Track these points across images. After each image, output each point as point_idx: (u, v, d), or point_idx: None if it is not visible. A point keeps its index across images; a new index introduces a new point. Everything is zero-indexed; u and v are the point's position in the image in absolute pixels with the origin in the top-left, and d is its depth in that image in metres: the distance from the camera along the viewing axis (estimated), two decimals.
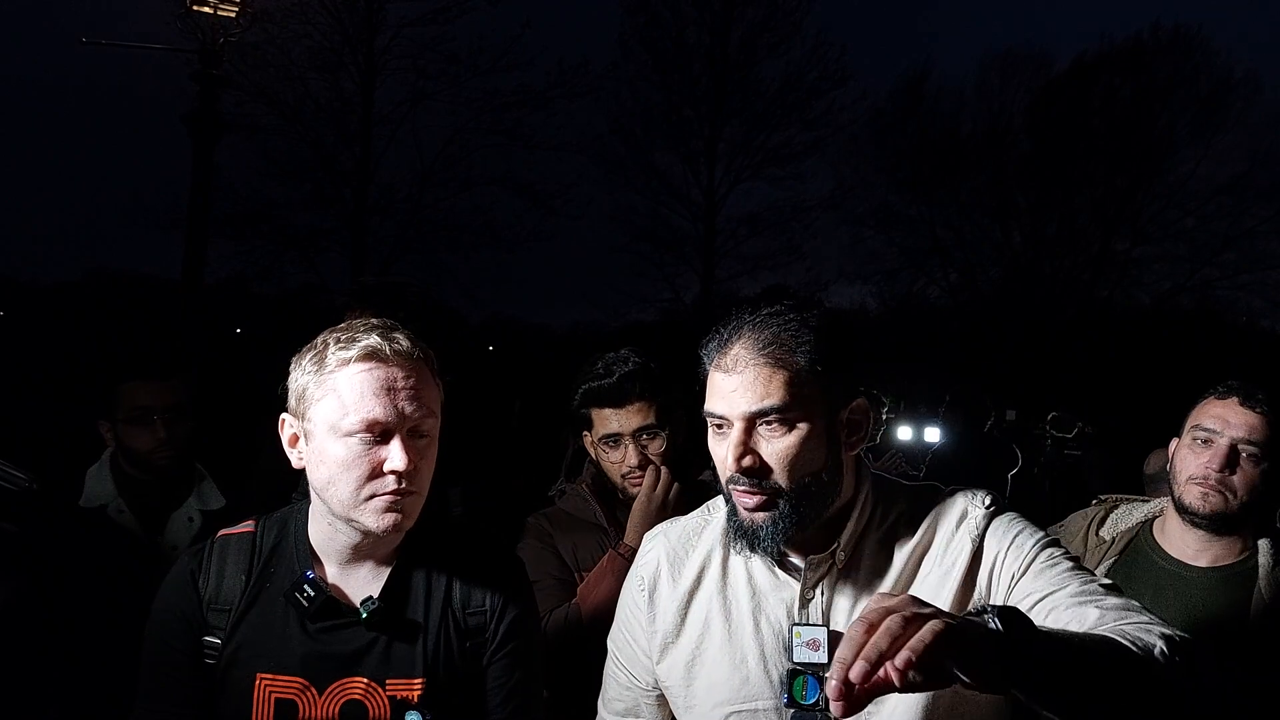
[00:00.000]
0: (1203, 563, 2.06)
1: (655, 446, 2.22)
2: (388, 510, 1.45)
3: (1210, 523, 2.02)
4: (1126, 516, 2.26)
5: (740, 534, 1.42)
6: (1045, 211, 23.04)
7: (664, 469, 2.19)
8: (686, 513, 2.07)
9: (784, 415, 1.35)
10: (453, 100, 17.57)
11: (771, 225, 21.08)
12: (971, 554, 1.43)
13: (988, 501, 1.49)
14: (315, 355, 1.48)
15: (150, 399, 2.49)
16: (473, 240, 18.47)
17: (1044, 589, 1.33)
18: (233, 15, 6.57)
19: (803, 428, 1.37)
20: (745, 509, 1.40)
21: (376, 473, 1.44)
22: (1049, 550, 1.41)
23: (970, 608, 1.38)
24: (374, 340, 1.45)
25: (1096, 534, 2.24)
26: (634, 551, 2.03)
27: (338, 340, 1.47)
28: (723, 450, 1.40)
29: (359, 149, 17.42)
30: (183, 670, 1.51)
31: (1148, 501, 2.26)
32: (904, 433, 7.33)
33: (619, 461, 2.23)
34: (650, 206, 21.16)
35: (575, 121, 20.07)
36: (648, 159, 21.00)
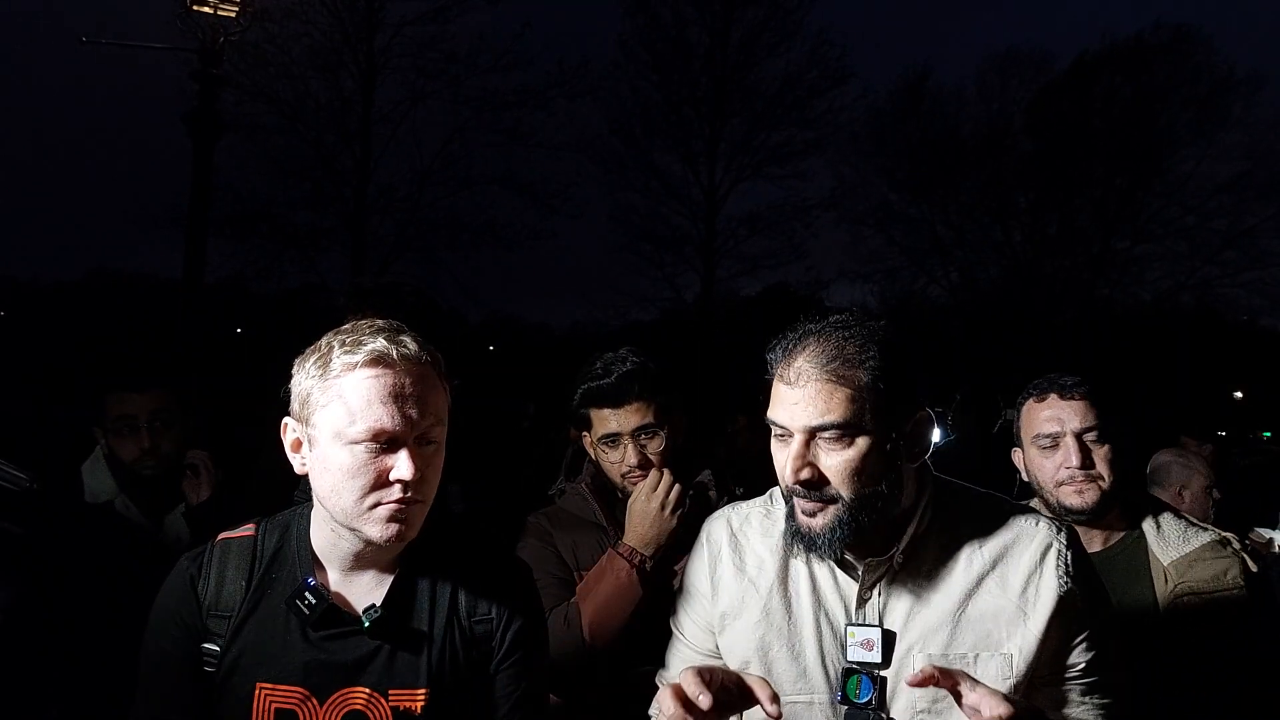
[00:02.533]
0: (1095, 547, 2.09)
1: (654, 446, 2.21)
2: (391, 520, 1.41)
3: (1093, 514, 2.06)
4: None
5: (797, 537, 1.45)
6: (1046, 211, 23.06)
7: (665, 469, 2.19)
8: (686, 513, 2.07)
9: (843, 431, 1.37)
10: (452, 99, 17.64)
11: (772, 224, 21.11)
12: (1060, 596, 1.44)
13: (1075, 543, 1.52)
14: (319, 359, 1.43)
15: (134, 408, 2.52)
16: (472, 240, 18.52)
17: (1081, 687, 1.47)
18: (233, 15, 6.54)
19: (862, 443, 1.39)
20: (803, 514, 1.43)
21: (382, 481, 1.39)
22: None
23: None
24: (380, 344, 1.41)
25: None
26: (633, 551, 2.03)
27: (343, 343, 1.43)
28: (783, 458, 1.42)
29: (359, 148, 17.43)
30: (181, 677, 1.47)
31: (1028, 503, 2.28)
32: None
33: (618, 461, 2.22)
34: (650, 206, 21.20)
35: (575, 121, 20.16)
36: (648, 159, 21.04)
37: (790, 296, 22.66)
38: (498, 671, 1.53)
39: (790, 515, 1.46)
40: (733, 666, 1.49)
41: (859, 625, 1.46)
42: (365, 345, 1.41)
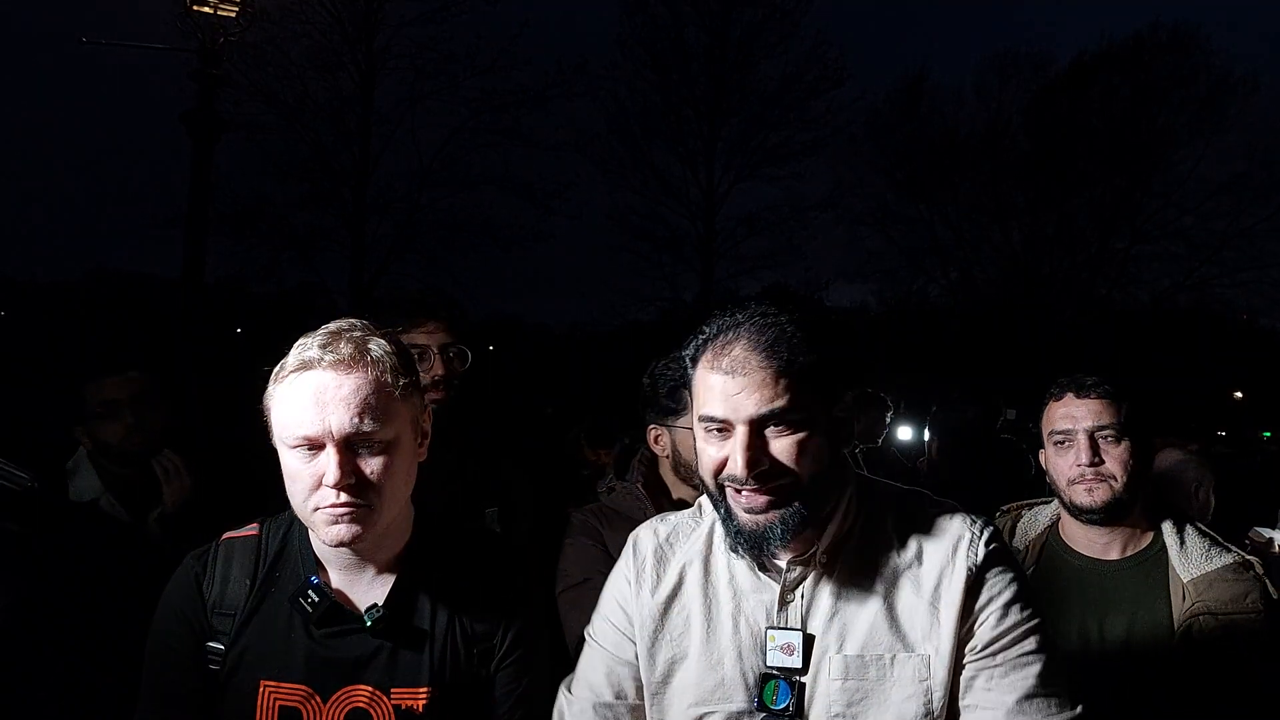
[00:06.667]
0: (1114, 555, 2.10)
1: None
2: (334, 523, 1.40)
3: (1105, 514, 2.06)
4: (1033, 522, 2.29)
5: (741, 538, 1.39)
6: (1044, 211, 23.05)
7: None
8: None
9: (791, 416, 1.33)
10: (451, 100, 17.59)
11: (770, 225, 21.09)
12: (966, 587, 1.40)
13: (988, 534, 1.46)
14: (280, 363, 1.46)
15: (114, 392, 2.56)
16: (471, 240, 18.47)
17: (999, 697, 1.36)
18: (233, 15, 6.54)
19: (808, 428, 1.35)
20: (750, 511, 1.37)
21: (318, 485, 1.39)
22: (1031, 639, 1.39)
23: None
24: (313, 350, 1.42)
25: (1010, 545, 2.25)
26: None
27: (296, 348, 1.45)
28: (717, 453, 1.37)
29: (357, 148, 17.41)
30: (186, 675, 1.49)
31: (1049, 503, 2.29)
32: (904, 433, 7.33)
33: None
34: (649, 206, 21.18)
35: (574, 121, 20.05)
36: (646, 159, 21.00)
37: (789, 297, 22.67)
38: (499, 670, 1.54)
39: (728, 517, 1.40)
40: (652, 679, 1.47)
41: (780, 629, 1.42)
42: (303, 352, 1.42)
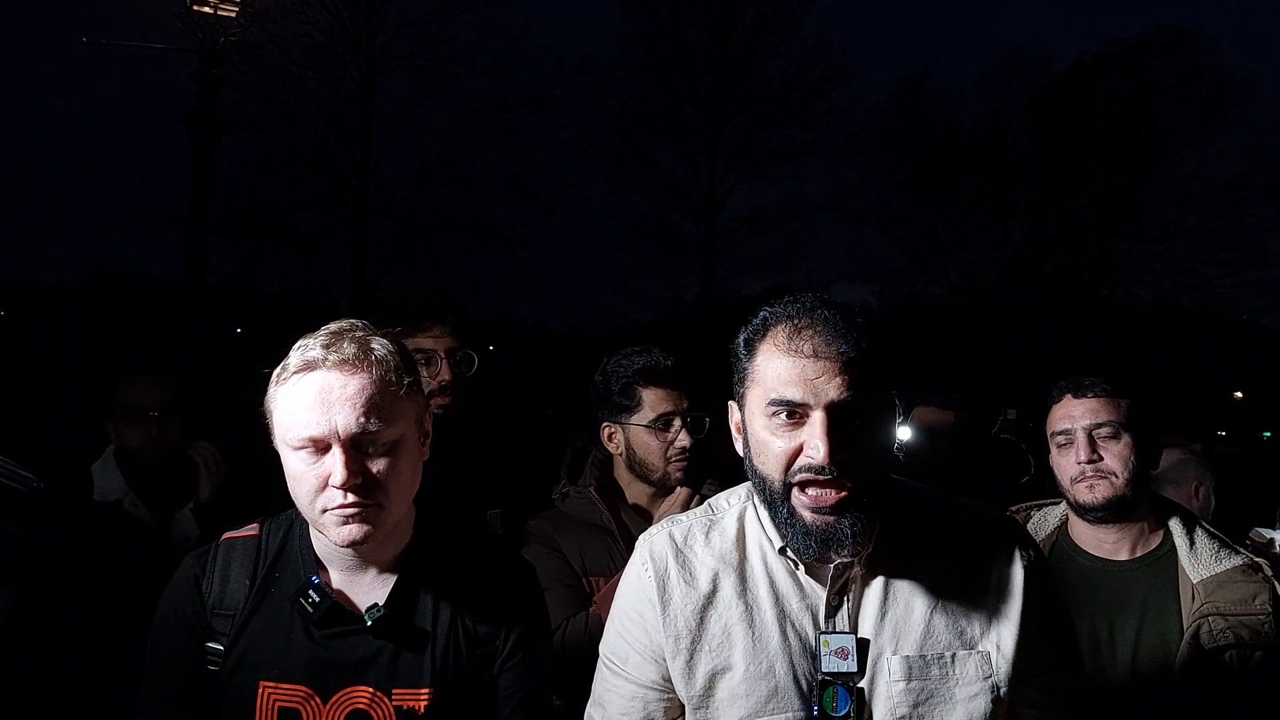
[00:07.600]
0: (1124, 555, 2.13)
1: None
2: (343, 524, 1.39)
3: (1109, 511, 2.09)
4: (1042, 523, 2.31)
5: (810, 539, 1.34)
6: (1046, 211, 23.02)
7: (686, 490, 2.25)
8: None
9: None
10: (452, 100, 17.58)
11: (772, 225, 21.07)
12: (1028, 591, 1.42)
13: (1029, 536, 1.52)
14: (281, 364, 1.45)
15: (144, 397, 2.58)
16: (473, 240, 18.46)
17: (1047, 684, 1.44)
18: (233, 15, 6.56)
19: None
20: (819, 510, 1.32)
21: (324, 486, 1.39)
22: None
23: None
24: (315, 351, 1.41)
25: None
26: None
27: (296, 349, 1.44)
28: (788, 444, 1.32)
29: (359, 149, 17.39)
30: (185, 676, 1.49)
31: (1057, 504, 2.31)
32: (904, 433, 7.32)
33: (669, 443, 2.24)
34: (651, 206, 21.17)
35: (575, 121, 20.05)
36: (648, 159, 21.00)
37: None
38: (501, 671, 1.53)
39: (790, 517, 1.34)
40: (692, 692, 1.43)
41: (832, 634, 1.39)
42: (305, 352, 1.42)
